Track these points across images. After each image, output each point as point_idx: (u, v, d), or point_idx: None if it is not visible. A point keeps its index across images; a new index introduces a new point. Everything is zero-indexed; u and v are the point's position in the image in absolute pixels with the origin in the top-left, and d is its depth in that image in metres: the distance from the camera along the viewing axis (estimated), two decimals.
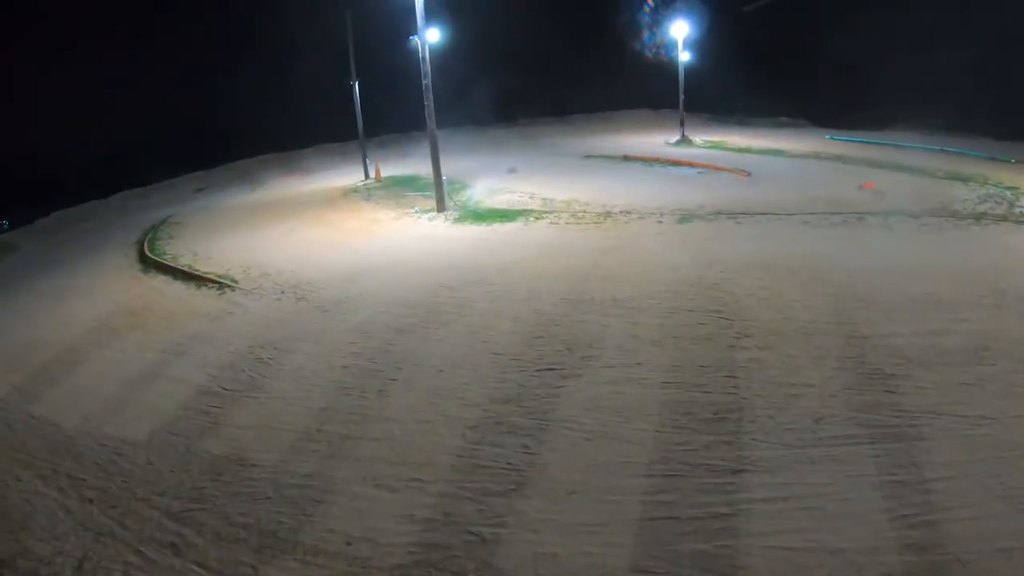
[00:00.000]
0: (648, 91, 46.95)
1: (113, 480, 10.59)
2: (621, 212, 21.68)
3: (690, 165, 30.04)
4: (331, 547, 8.40)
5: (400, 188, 30.84)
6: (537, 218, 21.80)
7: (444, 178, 24.56)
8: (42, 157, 36.63)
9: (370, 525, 8.61)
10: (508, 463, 9.32)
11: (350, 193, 31.29)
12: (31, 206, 35.91)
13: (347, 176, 36.25)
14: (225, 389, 12.88)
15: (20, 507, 10.37)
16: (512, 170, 31.03)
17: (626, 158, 33.27)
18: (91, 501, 10.18)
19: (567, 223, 20.90)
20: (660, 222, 20.24)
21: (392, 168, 36.51)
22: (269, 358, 13.69)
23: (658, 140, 39.20)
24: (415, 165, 35.94)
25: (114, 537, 9.29)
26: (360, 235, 22.52)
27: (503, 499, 8.73)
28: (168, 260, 22.69)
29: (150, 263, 22.67)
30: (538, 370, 11.63)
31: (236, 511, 9.29)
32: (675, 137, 39.12)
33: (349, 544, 8.39)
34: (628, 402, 10.44)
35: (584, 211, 22.31)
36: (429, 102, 23.74)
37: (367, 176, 35.10)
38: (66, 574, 8.78)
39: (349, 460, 9.90)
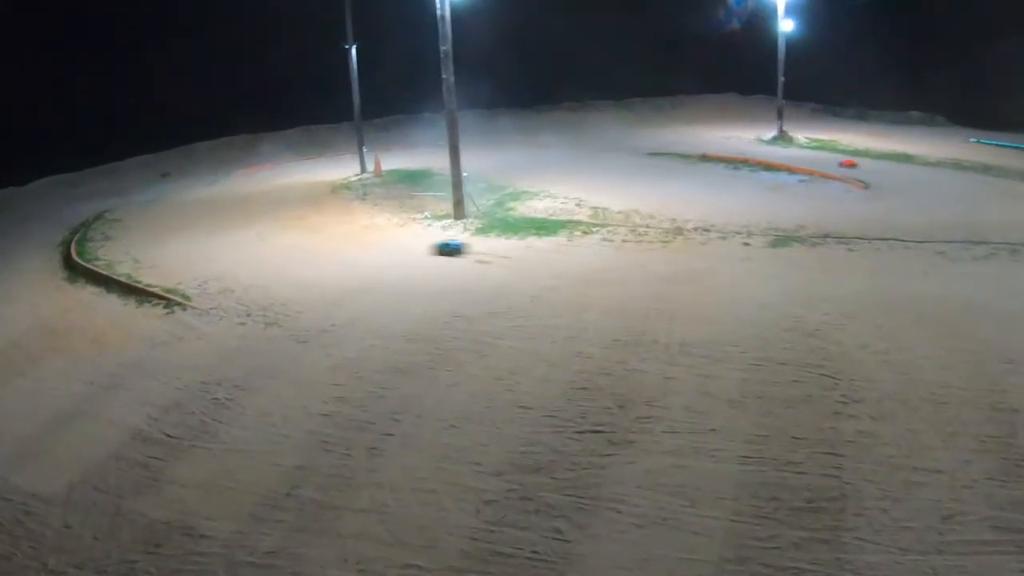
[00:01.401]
0: (736, 72, 47.13)
1: (19, 545, 10.74)
2: (696, 229, 21.82)
3: (789, 170, 30.21)
4: None
5: (406, 186, 31.26)
6: (585, 232, 21.99)
7: (465, 174, 24.83)
8: None
9: None
10: (534, 551, 9.34)
11: (341, 190, 31.76)
12: None
13: (338, 168, 36.76)
14: (168, 436, 13.07)
15: None
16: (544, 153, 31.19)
17: (704, 158, 33.52)
18: None
19: (624, 240, 21.07)
20: (747, 244, 20.36)
21: (396, 159, 37.02)
22: (227, 399, 13.88)
23: (748, 136, 39.46)
24: (426, 157, 36.46)
25: None
26: (352, 245, 22.86)
27: None
28: (101, 267, 23.08)
29: (78, 270, 23.10)
30: (579, 432, 11.69)
31: None
32: (771, 133, 39.32)
33: None
34: (695, 480, 10.42)
35: (647, 226, 22.47)
36: (448, 74, 23.99)
37: (364, 169, 35.52)
38: None
39: (326, 536, 9.99)
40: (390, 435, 12.06)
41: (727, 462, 10.79)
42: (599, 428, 11.75)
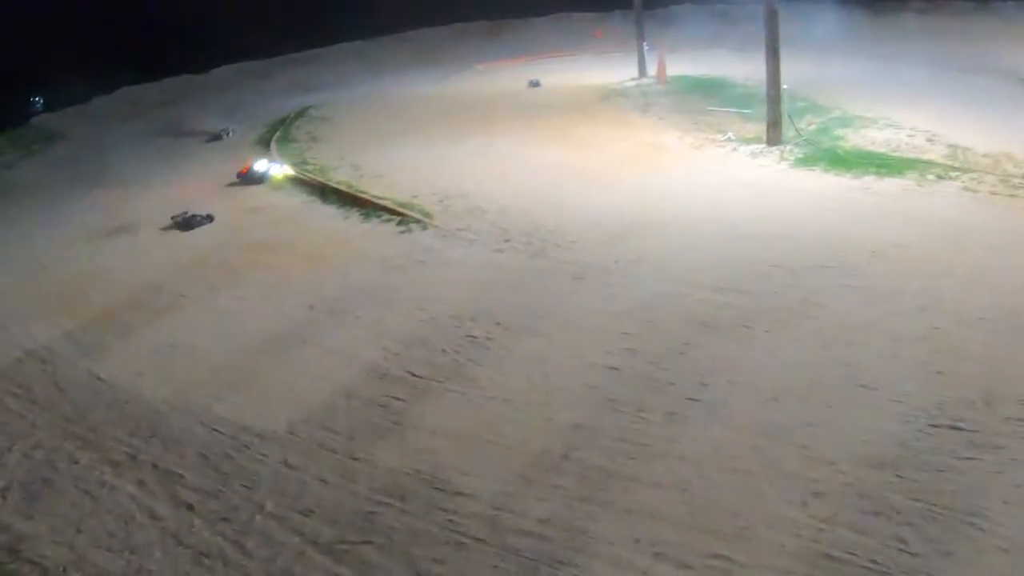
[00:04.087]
0: None
1: (228, 483, 12.25)
2: None
3: None
4: None
5: (699, 97, 31.52)
6: (940, 176, 21.72)
7: (784, 88, 25.00)
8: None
9: None
10: (872, 561, 9.75)
11: (614, 97, 32.36)
12: (82, 78, 39.49)
13: (608, 69, 37.16)
14: (413, 375, 14.32)
15: (76, 500, 12.25)
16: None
17: None
18: (191, 507, 11.84)
19: (992, 192, 20.68)
20: None
21: (686, 63, 37.14)
22: (487, 338, 14.97)
23: None
24: (724, 61, 36.51)
25: (226, 562, 10.78)
26: (632, 168, 23.55)
27: None
28: (313, 173, 24.57)
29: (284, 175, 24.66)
30: (933, 425, 11.89)
31: (424, 555, 10.47)
32: None
33: None
34: None
35: (1023, 176, 22.07)
36: None
37: (643, 72, 36.01)
38: None
39: (614, 510, 10.79)
40: (695, 400, 12.69)
41: None
42: (959, 424, 11.86)
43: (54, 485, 12.64)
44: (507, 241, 18.65)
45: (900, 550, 9.87)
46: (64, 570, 10.95)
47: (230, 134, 33.91)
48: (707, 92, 32.24)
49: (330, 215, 22.03)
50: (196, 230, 22.37)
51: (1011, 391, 12.55)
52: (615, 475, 11.36)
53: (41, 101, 40.38)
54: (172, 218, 22.89)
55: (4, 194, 30.31)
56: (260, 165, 26.03)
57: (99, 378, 15.57)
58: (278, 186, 25.16)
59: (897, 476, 10.97)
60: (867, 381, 12.89)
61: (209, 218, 22.75)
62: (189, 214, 22.72)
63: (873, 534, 10.10)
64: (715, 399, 12.72)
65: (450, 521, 10.94)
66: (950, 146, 24.35)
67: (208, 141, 34.39)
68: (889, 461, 11.24)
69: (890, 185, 21.27)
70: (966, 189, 20.81)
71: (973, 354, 13.55)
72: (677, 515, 10.60)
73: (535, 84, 36.74)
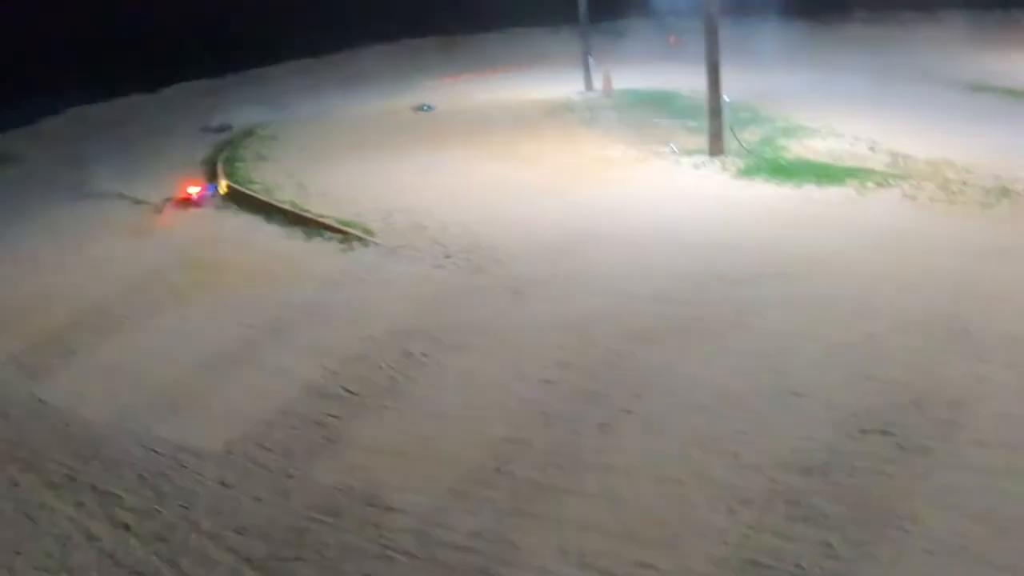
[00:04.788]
0: None
1: (165, 503, 12.23)
2: None
3: None
4: None
5: (645, 110, 31.74)
6: (880, 184, 22.00)
7: (727, 100, 25.22)
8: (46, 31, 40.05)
9: None
10: (798, 566, 9.85)
11: (561, 111, 32.52)
12: (31, 97, 39.43)
13: (555, 83, 37.37)
14: (350, 392, 14.36)
15: (16, 522, 12.19)
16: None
17: None
18: (128, 528, 11.81)
19: (931, 199, 20.94)
20: None
21: (631, 76, 37.35)
22: (423, 354, 15.01)
23: None
24: (670, 75, 36.66)
25: None
26: (578, 182, 23.68)
27: None
28: (257, 191, 24.58)
29: (230, 194, 24.65)
30: (862, 431, 12.05)
31: (355, 570, 10.51)
32: None
33: None
34: (1007, 506, 10.52)
35: (963, 182, 22.19)
36: None
37: (590, 86, 36.21)
38: None
39: (543, 521, 10.85)
40: (628, 411, 12.80)
41: None
42: (888, 429, 12.04)
43: None
44: (447, 257, 18.72)
45: (827, 556, 9.99)
46: None
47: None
48: (653, 105, 32.52)
49: (274, 234, 22.05)
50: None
51: (941, 395, 12.78)
52: (546, 487, 11.43)
53: None
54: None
55: None
56: (194, 190, 26.01)
57: (41, 400, 15.52)
58: (223, 207, 25.13)
59: (825, 482, 11.11)
60: (799, 388, 13.06)
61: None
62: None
63: (799, 539, 10.22)
64: (648, 409, 12.83)
65: (381, 536, 10.97)
66: (891, 154, 24.67)
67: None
68: (817, 467, 11.38)
69: (831, 194, 21.55)
70: (906, 196, 21.11)
71: (906, 359, 13.77)
72: (606, 525, 10.68)
73: (426, 108, 36.72)
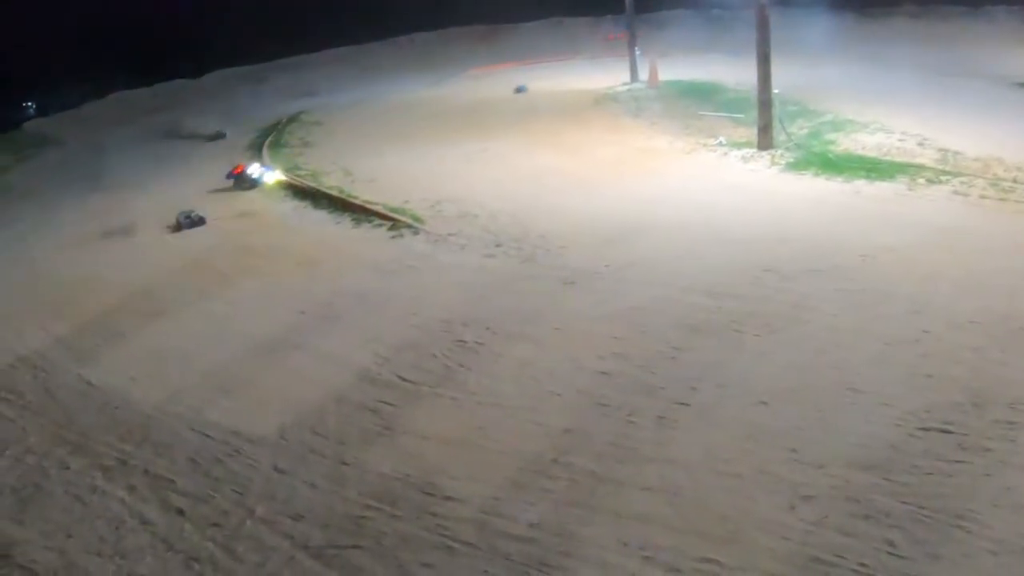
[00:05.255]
0: None
1: (218, 488, 12.31)
2: None
3: None
4: None
5: (690, 102, 31.66)
6: (930, 181, 21.82)
7: (776, 92, 25.11)
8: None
9: None
10: (862, 564, 9.80)
11: (606, 101, 32.53)
12: (74, 83, 39.72)
13: (600, 74, 37.35)
14: (403, 379, 14.40)
15: (67, 506, 12.30)
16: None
17: None
18: (181, 512, 11.89)
19: (982, 196, 20.78)
20: None
21: (677, 68, 37.31)
22: (477, 342, 15.06)
23: None
24: (715, 66, 36.59)
25: (216, 567, 10.85)
26: (625, 172, 23.69)
27: None
28: (305, 178, 24.65)
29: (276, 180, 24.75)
30: (921, 428, 11.95)
31: (414, 559, 10.52)
32: None
33: None
34: None
35: (1013, 180, 22.09)
36: None
37: (635, 77, 36.17)
38: None
39: (603, 513, 10.85)
40: (684, 404, 12.76)
41: None
42: (947, 427, 11.92)
43: (45, 490, 12.68)
44: (498, 246, 18.77)
45: (889, 552, 9.92)
46: (55, 575, 10.98)
47: (226, 136, 34.34)
48: (699, 97, 32.39)
49: (321, 220, 22.14)
50: (188, 231, 22.43)
51: (1000, 394, 12.60)
52: (605, 479, 11.41)
53: (34, 106, 40.51)
54: (177, 218, 22.90)
55: None
56: (253, 170, 26.10)
57: (90, 383, 15.62)
58: (270, 192, 25.22)
59: (886, 479, 11.02)
60: (857, 385, 12.95)
61: (201, 220, 22.73)
62: (196, 215, 22.79)
63: (861, 537, 10.16)
64: (705, 403, 12.79)
65: (439, 526, 10.98)
66: (940, 150, 24.45)
67: (210, 139, 34.83)
68: (878, 464, 11.29)
69: (881, 189, 21.40)
70: (956, 193, 20.90)
71: (963, 358, 13.60)
72: (666, 518, 10.65)
73: (521, 90, 36.90)
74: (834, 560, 9.85)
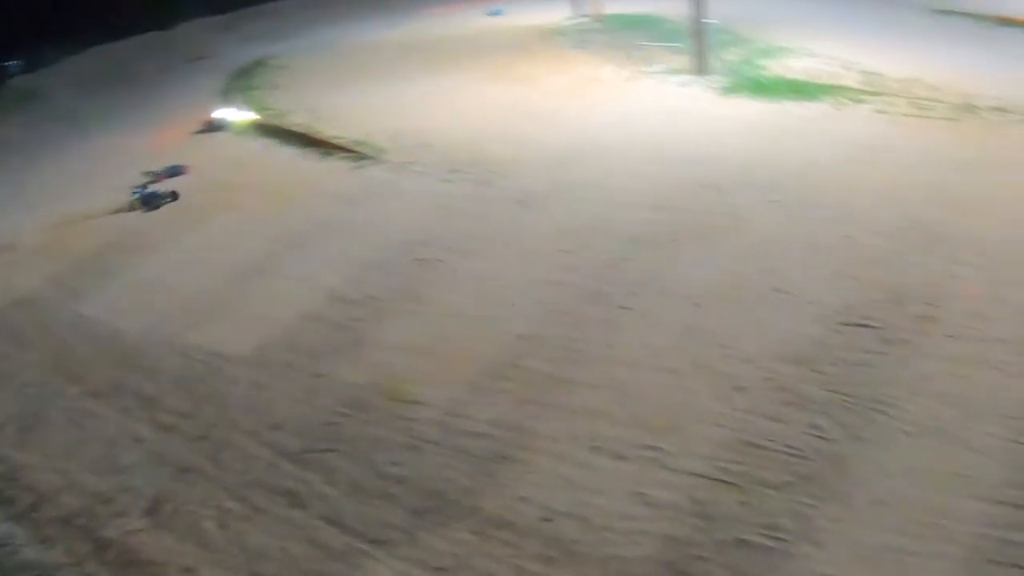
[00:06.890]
0: None
1: (203, 405, 12.58)
2: (993, 109, 21.52)
3: None
4: (521, 520, 9.68)
5: (631, 33, 31.48)
6: (855, 100, 22.02)
7: (712, 23, 25.23)
8: None
9: (580, 500, 9.82)
10: (789, 446, 10.18)
11: (552, 35, 32.32)
12: (55, 39, 39.33)
13: (547, 9, 37.02)
14: (370, 297, 14.59)
15: (66, 430, 12.54)
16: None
17: (1006, 21, 32.42)
18: (171, 429, 12.15)
19: (903, 114, 21.00)
20: None
21: (621, 2, 37.07)
22: (437, 260, 15.29)
23: None
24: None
25: (204, 476, 11.13)
26: (572, 100, 23.69)
27: (777, 494, 9.61)
28: (272, 117, 24.61)
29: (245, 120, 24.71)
30: (843, 324, 12.31)
31: (385, 459, 10.86)
32: None
33: (548, 520, 9.64)
34: (975, 392, 10.81)
35: (931, 99, 22.31)
36: None
37: (578, 11, 35.94)
38: (133, 515, 10.61)
39: (556, 409, 11.20)
40: (627, 308, 13.10)
41: (1017, 377, 11.05)
42: (867, 322, 12.29)
43: (45, 418, 12.88)
44: (454, 171, 18.84)
45: (815, 436, 10.30)
46: (58, 493, 11.20)
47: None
48: (640, 28, 32.19)
49: (289, 156, 22.10)
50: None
51: (917, 292, 12.97)
52: (557, 379, 11.75)
53: (19, 63, 40.03)
54: (133, 194, 20.92)
55: None
56: (220, 113, 26.01)
57: (82, 316, 15.78)
58: (239, 132, 25.14)
59: (812, 370, 11.40)
60: (784, 287, 13.28)
61: (174, 196, 21.01)
62: (149, 190, 20.95)
63: (791, 423, 10.52)
64: (647, 308, 13.10)
65: (407, 427, 11.28)
66: (864, 72, 24.49)
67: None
68: (805, 357, 11.65)
69: (808, 109, 21.54)
70: (879, 112, 21.10)
71: (883, 260, 13.95)
72: (613, 413, 11.00)
73: (496, 12, 37.14)
74: (765, 444, 10.22)
